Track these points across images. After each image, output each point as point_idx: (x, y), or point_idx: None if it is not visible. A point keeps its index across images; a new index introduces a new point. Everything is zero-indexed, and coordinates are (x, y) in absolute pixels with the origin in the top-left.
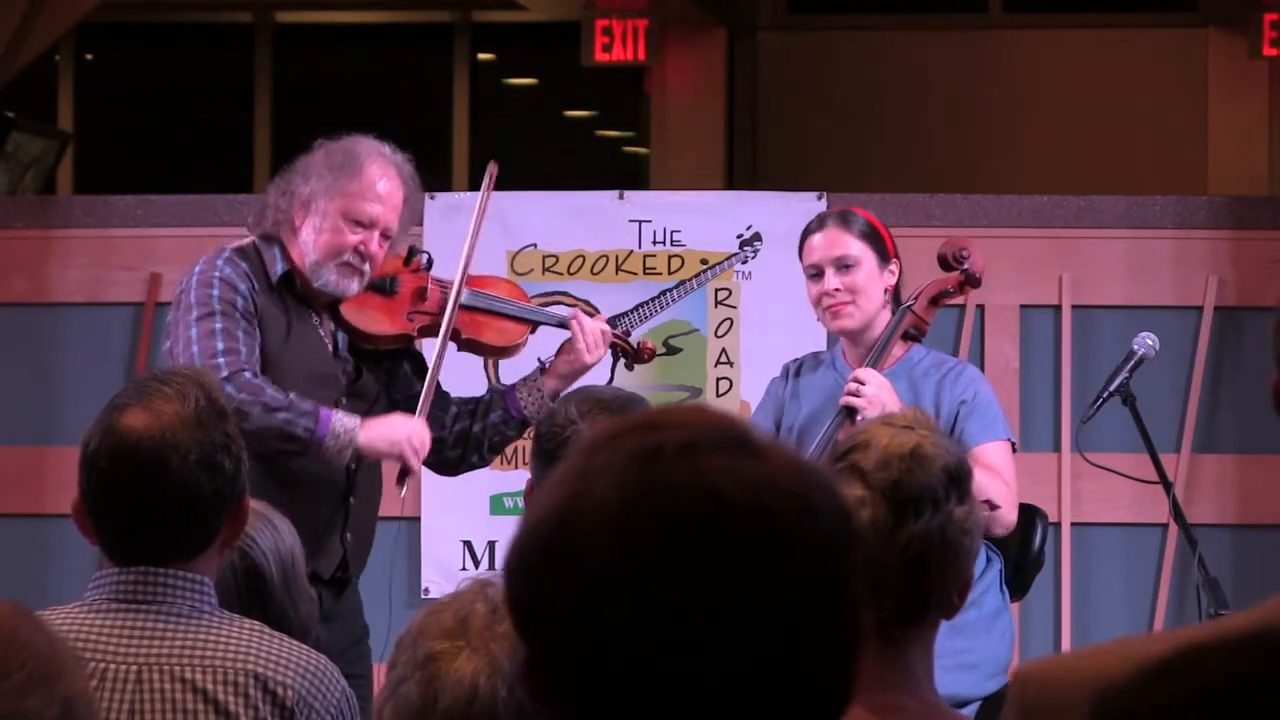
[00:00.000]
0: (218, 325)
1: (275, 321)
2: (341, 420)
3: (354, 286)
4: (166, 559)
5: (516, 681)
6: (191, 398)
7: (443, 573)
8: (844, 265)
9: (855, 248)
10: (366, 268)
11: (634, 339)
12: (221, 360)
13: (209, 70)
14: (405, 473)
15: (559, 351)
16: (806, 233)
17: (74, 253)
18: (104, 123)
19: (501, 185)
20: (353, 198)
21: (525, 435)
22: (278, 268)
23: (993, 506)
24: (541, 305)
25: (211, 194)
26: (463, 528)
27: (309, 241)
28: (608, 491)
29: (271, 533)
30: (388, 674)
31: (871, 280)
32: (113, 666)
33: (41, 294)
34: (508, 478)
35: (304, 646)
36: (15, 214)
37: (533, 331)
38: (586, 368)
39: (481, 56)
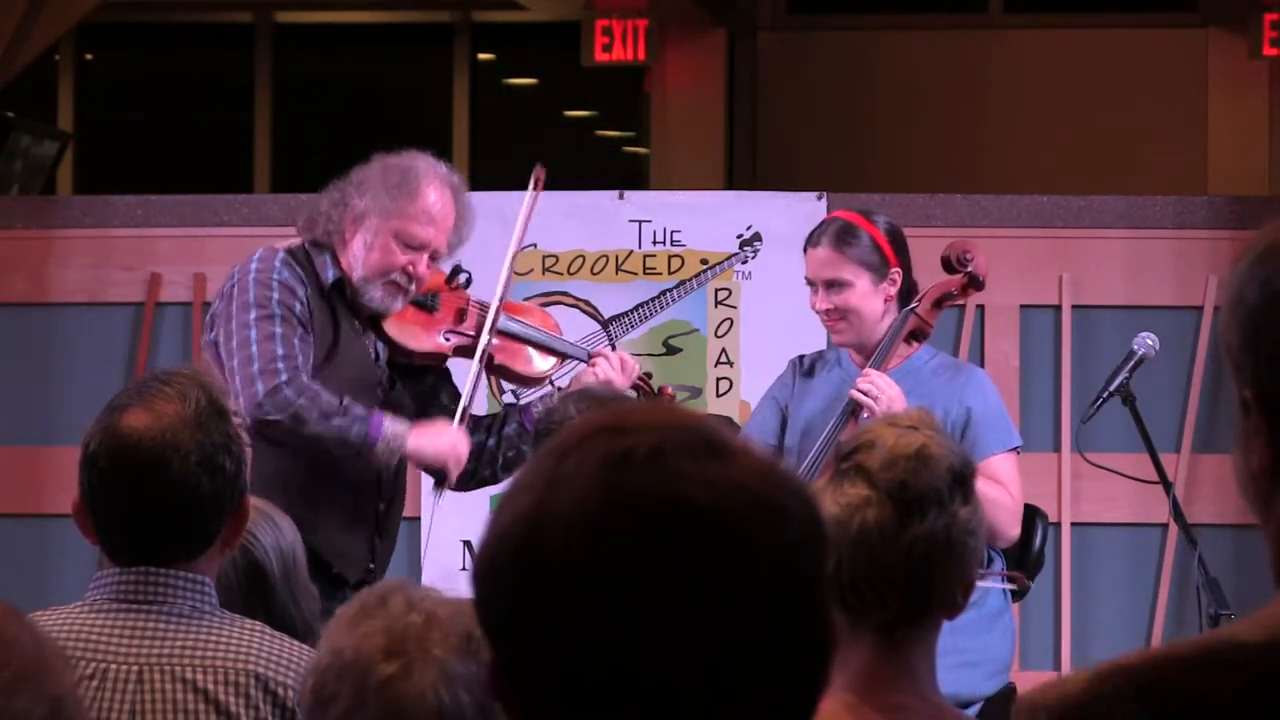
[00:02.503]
0: (278, 330)
1: (324, 327)
2: (392, 426)
3: (398, 304)
4: (167, 559)
5: (484, 684)
6: (192, 398)
7: (443, 573)
8: (834, 285)
9: (847, 271)
10: (412, 288)
11: (655, 384)
12: (281, 365)
13: (209, 70)
14: (442, 480)
15: (584, 370)
16: (806, 243)
17: (74, 253)
18: (104, 123)
19: (501, 185)
20: (407, 219)
21: None
22: (329, 275)
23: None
24: (541, 304)
25: (211, 194)
26: (462, 528)
27: (358, 256)
28: (576, 498)
29: (273, 530)
30: (320, 704)
31: (864, 299)
32: (114, 667)
33: (41, 294)
34: (508, 479)
35: (305, 647)
36: (15, 214)
37: (561, 365)
38: (614, 390)
39: (481, 56)
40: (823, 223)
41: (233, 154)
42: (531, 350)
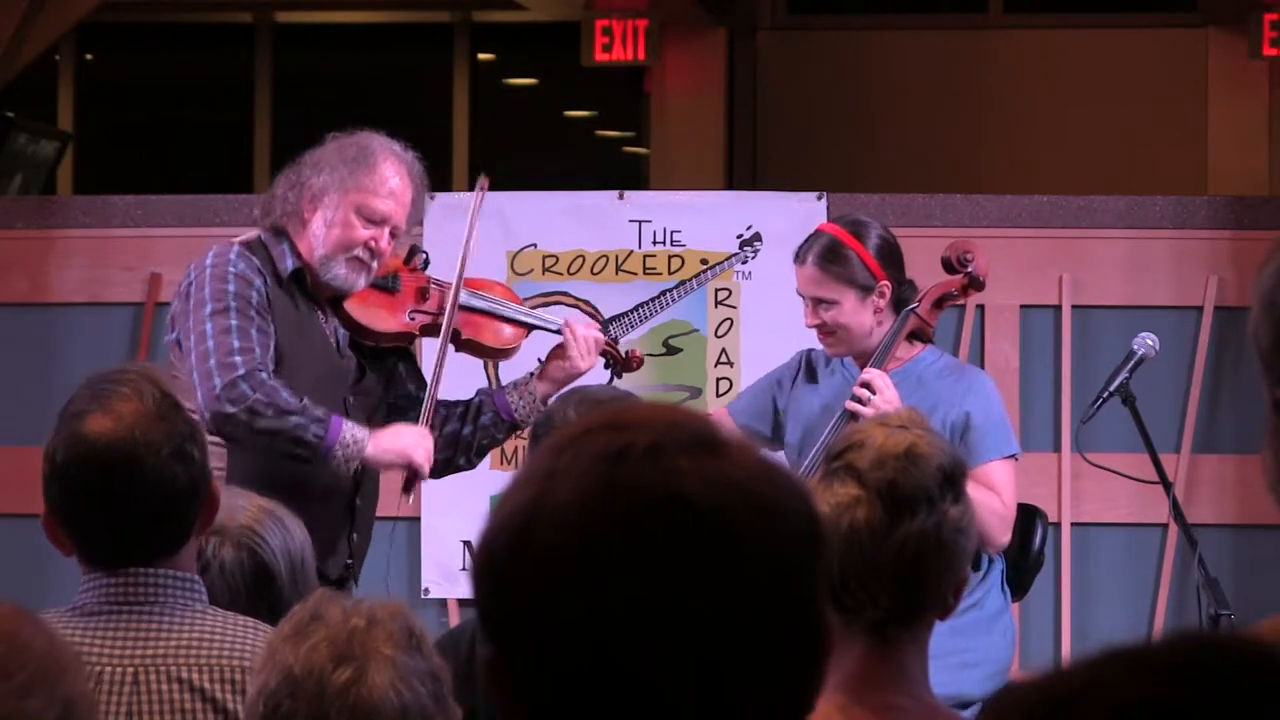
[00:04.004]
0: (233, 322)
1: (286, 317)
2: (351, 430)
3: (361, 281)
4: (152, 557)
5: (436, 677)
6: (147, 394)
7: (443, 573)
8: (821, 302)
9: (831, 290)
10: (374, 264)
11: (623, 348)
12: (238, 359)
13: (209, 70)
14: (412, 481)
15: (550, 356)
16: (796, 256)
17: (74, 253)
18: (104, 123)
19: (501, 185)
20: (366, 193)
21: (521, 435)
22: (288, 263)
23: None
24: (541, 304)
25: (211, 194)
26: (462, 528)
27: (319, 235)
28: (572, 492)
29: (281, 531)
30: None
31: (852, 314)
32: (109, 669)
33: (41, 294)
34: (507, 478)
35: None
36: (15, 214)
37: (527, 335)
38: (580, 373)
39: (481, 56)
40: (811, 237)
41: (233, 154)
42: (497, 323)
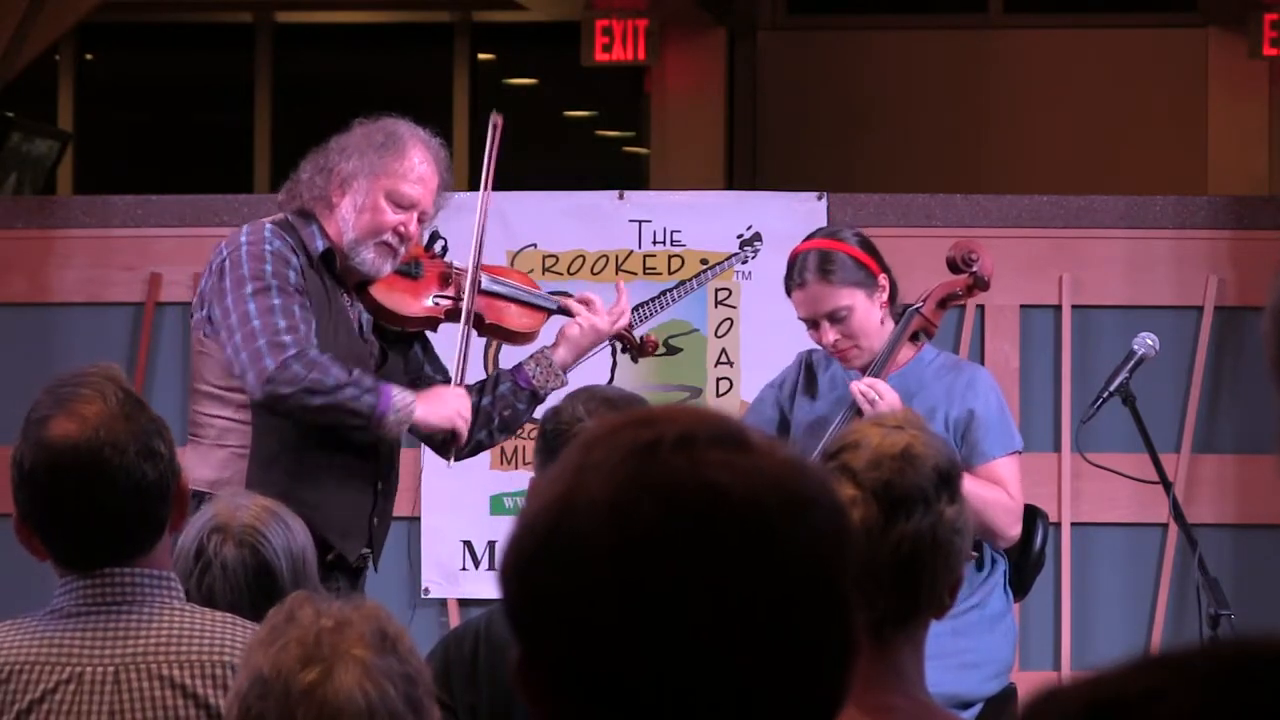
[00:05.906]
0: (276, 301)
1: (318, 298)
2: (400, 395)
3: (387, 267)
4: (125, 557)
5: (408, 678)
6: (110, 394)
7: (443, 573)
8: (836, 318)
9: (842, 298)
10: (402, 249)
11: (639, 334)
12: (287, 338)
13: (209, 70)
14: (451, 442)
15: (568, 322)
16: (789, 285)
17: (74, 253)
18: (104, 123)
19: (501, 185)
20: (395, 178)
21: (521, 435)
22: (318, 244)
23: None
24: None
25: (211, 194)
26: (463, 528)
27: (348, 220)
28: (604, 485)
29: (284, 531)
30: None
31: (866, 316)
32: (89, 669)
33: (41, 294)
34: (508, 478)
35: None
36: (15, 214)
37: (547, 319)
38: (600, 335)
39: (481, 56)
40: (797, 260)
41: (233, 154)
42: (518, 307)
